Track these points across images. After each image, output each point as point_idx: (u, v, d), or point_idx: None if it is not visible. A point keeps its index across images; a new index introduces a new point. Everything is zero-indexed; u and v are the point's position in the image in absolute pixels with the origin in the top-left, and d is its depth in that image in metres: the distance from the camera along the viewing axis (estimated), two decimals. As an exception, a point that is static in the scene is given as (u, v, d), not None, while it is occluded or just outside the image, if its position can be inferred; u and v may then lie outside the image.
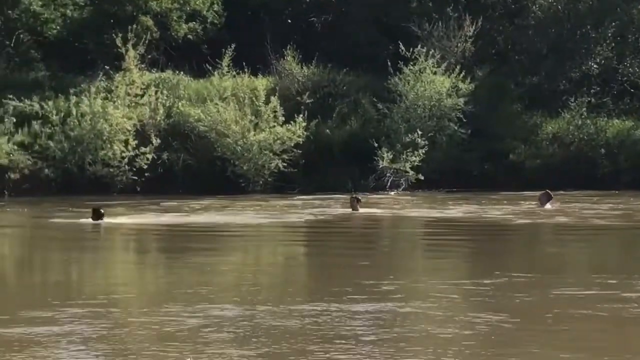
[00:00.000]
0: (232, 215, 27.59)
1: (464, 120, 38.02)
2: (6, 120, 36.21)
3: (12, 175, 35.27)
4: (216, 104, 36.91)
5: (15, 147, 35.66)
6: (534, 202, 29.48)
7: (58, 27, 41.22)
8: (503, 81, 40.81)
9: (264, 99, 36.94)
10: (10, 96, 36.55)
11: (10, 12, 40.19)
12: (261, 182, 36.40)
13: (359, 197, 28.28)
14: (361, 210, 27.85)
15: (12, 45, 41.38)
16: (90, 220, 25.07)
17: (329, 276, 17.15)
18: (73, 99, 36.56)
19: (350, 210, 28.10)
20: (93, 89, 36.65)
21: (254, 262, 19.86)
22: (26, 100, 36.64)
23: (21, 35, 41.51)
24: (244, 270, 18.15)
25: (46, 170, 35.67)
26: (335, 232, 24.88)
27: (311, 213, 28.26)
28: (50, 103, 36.68)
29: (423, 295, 14.80)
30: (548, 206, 28.56)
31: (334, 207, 30.09)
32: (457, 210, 29.12)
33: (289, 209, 29.56)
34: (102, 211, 25.40)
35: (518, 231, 24.85)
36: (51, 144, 35.80)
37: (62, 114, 36.41)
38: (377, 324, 12.48)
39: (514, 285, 15.46)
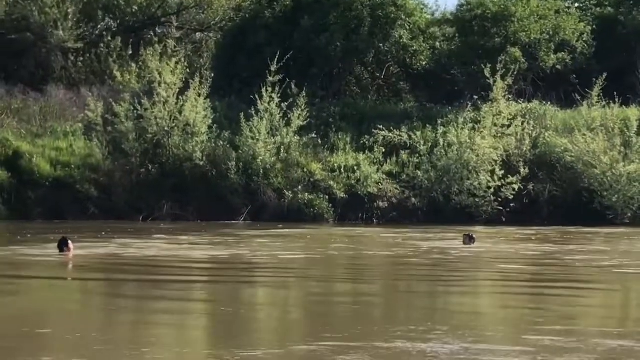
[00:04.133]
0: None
1: None
2: (376, 150, 37.38)
3: (381, 204, 36.28)
4: (584, 134, 36.28)
5: (384, 177, 36.71)
6: None
7: (427, 59, 42.10)
8: None
9: (635, 129, 35.91)
10: (380, 126, 37.67)
11: (381, 45, 41.45)
12: (629, 214, 35.34)
13: (472, 235, 26.58)
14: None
15: (382, 77, 42.78)
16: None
17: None
18: (440, 129, 37.17)
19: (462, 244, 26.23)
20: (460, 120, 37.11)
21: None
22: (395, 130, 37.64)
23: (391, 68, 42.82)
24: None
25: (413, 199, 36.38)
26: None
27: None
28: (418, 133, 37.47)
29: None
30: None
31: None
32: None
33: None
34: (69, 242, 22.39)
35: None
36: (419, 173, 36.52)
37: (430, 144, 37.10)
38: None
39: None
